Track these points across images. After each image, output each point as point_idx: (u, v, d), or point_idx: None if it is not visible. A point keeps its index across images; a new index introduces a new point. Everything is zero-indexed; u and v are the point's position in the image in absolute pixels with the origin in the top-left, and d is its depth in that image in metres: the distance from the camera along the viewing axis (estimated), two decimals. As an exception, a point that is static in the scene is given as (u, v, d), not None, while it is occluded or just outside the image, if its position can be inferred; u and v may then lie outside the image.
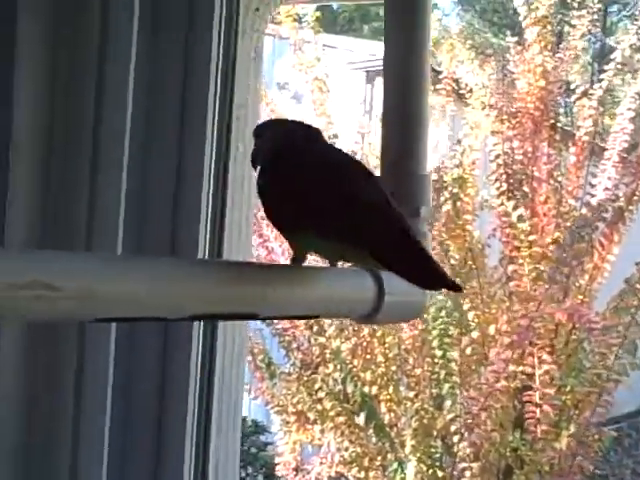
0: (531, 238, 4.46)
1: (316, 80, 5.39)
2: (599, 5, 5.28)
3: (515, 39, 5.41)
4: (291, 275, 0.71)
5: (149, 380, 1.08)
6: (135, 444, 1.10)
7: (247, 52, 1.16)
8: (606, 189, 4.86)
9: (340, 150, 0.79)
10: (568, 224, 4.71)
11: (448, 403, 4.48)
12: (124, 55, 1.06)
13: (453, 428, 4.37)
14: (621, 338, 4.08)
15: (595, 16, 5.23)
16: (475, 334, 4.77)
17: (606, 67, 5.27)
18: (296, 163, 0.74)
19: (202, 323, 1.06)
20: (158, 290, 0.59)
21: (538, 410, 3.98)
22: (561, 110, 6.71)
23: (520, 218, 4.51)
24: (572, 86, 5.40)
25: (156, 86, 1.09)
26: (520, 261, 4.48)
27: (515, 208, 4.50)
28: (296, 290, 0.69)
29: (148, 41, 1.07)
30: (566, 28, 5.38)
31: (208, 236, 1.06)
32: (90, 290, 0.53)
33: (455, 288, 0.68)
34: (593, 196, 4.78)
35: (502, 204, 4.56)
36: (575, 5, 5.31)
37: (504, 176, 4.69)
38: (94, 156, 1.06)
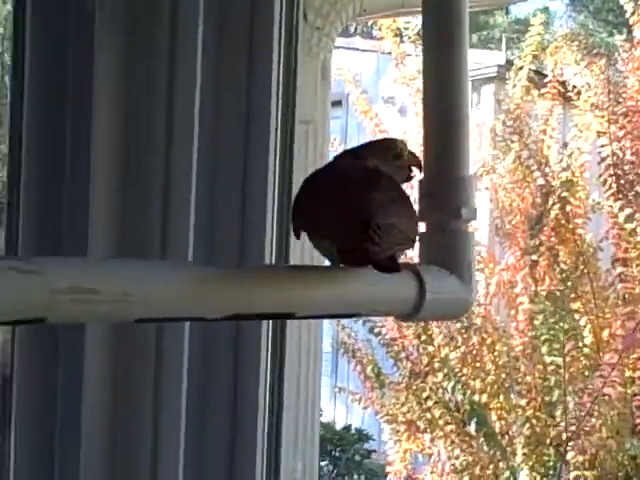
0: (638, 239, 4.31)
1: (419, 92, 5.41)
2: None
3: (623, 37, 5.27)
4: (330, 275, 0.76)
5: (222, 380, 1.15)
6: (210, 443, 1.16)
7: (313, 70, 1.22)
8: None
9: (354, 163, 0.83)
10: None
11: (559, 411, 4.38)
12: (190, 80, 1.13)
13: (565, 436, 4.26)
14: None
15: None
16: (589, 340, 4.65)
17: None
18: (308, 179, 0.82)
19: (270, 324, 1.12)
20: (193, 293, 0.64)
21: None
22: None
23: (628, 218, 4.36)
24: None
25: (221, 104, 1.16)
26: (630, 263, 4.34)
27: (622, 209, 4.36)
28: (335, 289, 0.74)
29: (212, 61, 1.14)
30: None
31: (275, 245, 1.11)
32: (125, 293, 0.59)
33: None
34: None
35: (610, 206, 4.43)
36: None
37: (613, 177, 4.56)
38: (166, 170, 1.14)
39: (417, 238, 0.80)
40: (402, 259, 0.79)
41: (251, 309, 0.69)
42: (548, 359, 4.48)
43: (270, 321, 1.11)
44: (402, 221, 0.77)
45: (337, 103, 8.63)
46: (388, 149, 0.85)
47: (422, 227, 0.86)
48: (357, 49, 8.39)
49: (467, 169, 0.84)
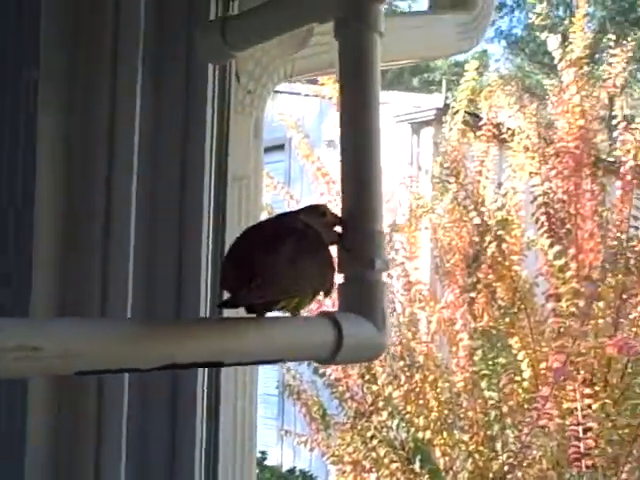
0: (568, 274, 4.48)
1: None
2: (633, 43, 5.32)
3: (553, 81, 5.50)
4: (256, 325, 0.83)
5: (161, 428, 1.20)
6: None
7: (246, 128, 1.30)
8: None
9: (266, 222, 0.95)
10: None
11: (500, 444, 4.47)
12: (129, 143, 1.21)
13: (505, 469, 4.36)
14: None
15: (630, 54, 5.27)
16: (527, 373, 4.77)
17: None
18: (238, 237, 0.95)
19: (206, 373, 1.18)
20: (128, 345, 0.71)
21: (582, 444, 3.95)
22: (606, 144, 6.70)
23: (557, 255, 4.54)
24: (614, 122, 5.39)
25: (157, 163, 1.23)
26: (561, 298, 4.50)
27: (552, 245, 4.54)
28: (260, 338, 0.81)
29: (149, 123, 1.22)
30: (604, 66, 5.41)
31: (209, 298, 1.18)
32: (67, 349, 0.66)
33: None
34: (637, 229, 4.78)
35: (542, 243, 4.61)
36: (611, 44, 5.37)
37: (544, 216, 4.73)
38: (105, 230, 1.20)
39: (333, 287, 0.90)
40: (323, 309, 0.87)
41: (182, 359, 0.75)
42: (487, 394, 4.58)
43: (205, 369, 1.17)
44: (295, 274, 0.86)
45: (280, 147, 8.73)
46: (316, 209, 0.96)
47: (340, 278, 0.94)
48: (299, 94, 8.53)
49: (380, 224, 0.93)
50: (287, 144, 8.05)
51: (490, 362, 4.56)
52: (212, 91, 1.22)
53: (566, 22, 5.62)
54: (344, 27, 0.96)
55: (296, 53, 1.30)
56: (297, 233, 0.89)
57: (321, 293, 0.90)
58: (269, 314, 0.86)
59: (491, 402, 4.58)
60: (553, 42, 5.08)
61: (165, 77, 1.25)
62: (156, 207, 1.24)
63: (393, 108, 8.35)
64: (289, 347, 0.85)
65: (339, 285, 0.94)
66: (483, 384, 4.57)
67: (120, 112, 1.22)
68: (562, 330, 4.30)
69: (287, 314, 0.87)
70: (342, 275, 0.93)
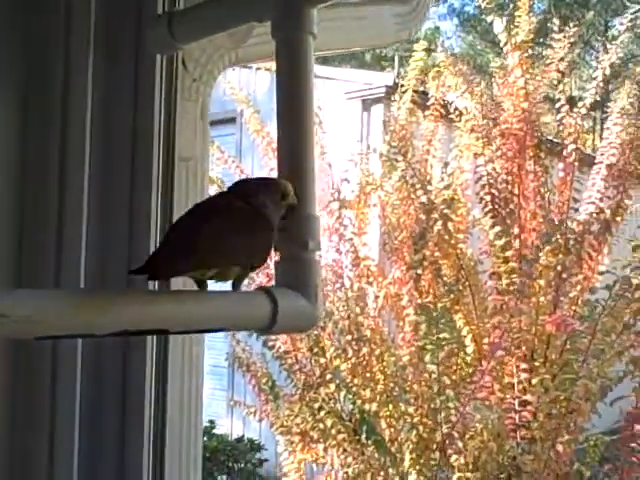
0: (508, 254, 4.63)
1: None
2: (576, 29, 5.45)
3: (498, 63, 5.62)
4: (200, 297, 0.93)
5: (111, 393, 1.29)
6: (101, 453, 1.31)
7: (192, 112, 1.38)
8: (592, 202, 5.00)
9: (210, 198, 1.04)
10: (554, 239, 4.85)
11: (442, 416, 4.62)
12: (82, 115, 1.28)
13: (445, 440, 4.51)
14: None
15: (572, 39, 5.41)
16: (470, 348, 4.92)
17: (592, 82, 5.42)
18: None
19: (154, 342, 1.27)
20: (84, 313, 0.79)
21: (517, 416, 4.12)
22: (553, 125, 6.86)
23: (497, 235, 4.68)
24: (557, 105, 5.52)
25: (109, 146, 1.31)
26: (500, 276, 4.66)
27: (492, 226, 4.68)
28: (203, 308, 0.90)
29: (101, 108, 1.29)
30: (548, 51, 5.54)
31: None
32: (28, 316, 0.74)
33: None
34: (577, 210, 4.95)
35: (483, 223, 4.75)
36: (555, 29, 5.49)
37: (488, 196, 4.86)
38: (60, 206, 1.28)
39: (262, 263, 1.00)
40: (261, 284, 0.96)
41: (132, 326, 0.84)
42: (430, 367, 4.71)
43: (154, 338, 1.26)
44: (215, 249, 0.95)
45: (231, 120, 8.73)
46: (277, 189, 1.03)
47: (277, 257, 1.04)
48: (250, 67, 8.53)
49: (313, 208, 1.02)
50: (238, 117, 8.04)
51: (434, 338, 4.69)
52: (160, 79, 1.30)
53: (515, 2, 5.72)
54: (279, 29, 1.05)
55: (239, 47, 1.38)
56: (225, 211, 0.97)
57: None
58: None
59: (434, 376, 4.71)
60: (498, 25, 5.18)
61: (115, 66, 1.33)
62: (108, 185, 1.32)
63: (344, 85, 8.43)
64: (229, 317, 0.94)
65: (276, 262, 1.04)
66: (427, 358, 4.70)
67: (73, 99, 1.29)
68: (502, 307, 4.45)
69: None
70: (279, 254, 1.02)
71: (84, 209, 1.29)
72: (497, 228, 4.63)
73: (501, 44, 5.41)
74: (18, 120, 1.31)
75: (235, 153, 8.49)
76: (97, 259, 1.30)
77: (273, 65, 1.08)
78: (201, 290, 0.94)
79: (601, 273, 4.75)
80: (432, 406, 4.82)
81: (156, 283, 1.17)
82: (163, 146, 1.30)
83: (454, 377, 4.82)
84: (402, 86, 5.86)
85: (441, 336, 4.71)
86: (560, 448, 4.45)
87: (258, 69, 8.39)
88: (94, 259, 1.29)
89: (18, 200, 1.31)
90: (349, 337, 5.16)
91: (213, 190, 5.56)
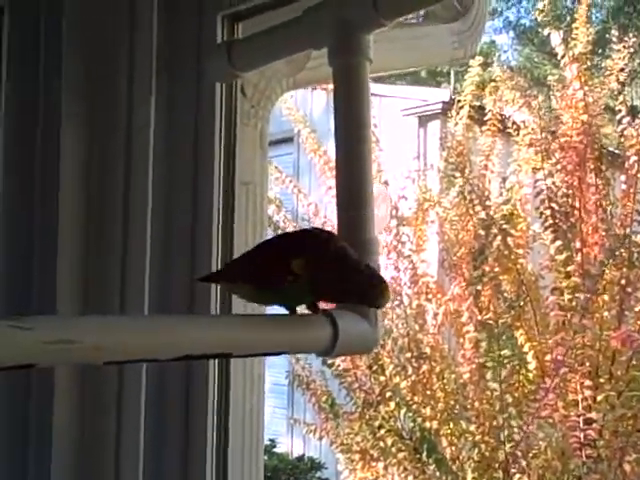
0: (569, 269, 4.55)
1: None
2: (634, 39, 5.36)
3: (556, 77, 5.55)
4: (261, 321, 0.95)
5: (175, 415, 1.32)
6: (164, 474, 1.34)
7: (251, 137, 1.41)
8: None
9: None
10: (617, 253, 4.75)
11: (505, 434, 4.56)
12: (145, 142, 1.32)
13: (510, 459, 4.44)
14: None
15: (632, 49, 5.32)
16: (532, 365, 4.84)
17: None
18: None
19: (217, 365, 1.29)
20: (148, 338, 0.82)
21: (582, 435, 4.04)
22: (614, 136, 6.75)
23: (558, 250, 4.61)
24: (618, 117, 5.42)
25: (171, 170, 1.35)
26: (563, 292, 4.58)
27: (553, 241, 4.61)
28: (265, 332, 0.92)
29: (163, 134, 1.33)
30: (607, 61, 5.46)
31: (219, 297, 1.30)
32: (97, 342, 0.77)
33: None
34: (641, 223, 4.85)
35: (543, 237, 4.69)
36: (614, 39, 5.41)
37: (548, 210, 4.80)
38: (124, 233, 1.32)
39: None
40: (321, 306, 0.98)
41: (195, 350, 0.86)
42: (493, 385, 4.65)
43: (216, 360, 1.28)
44: None
45: (289, 140, 8.80)
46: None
47: None
48: (307, 87, 8.58)
49: (372, 231, 1.03)
50: (295, 137, 8.09)
51: (495, 355, 4.63)
52: (220, 106, 1.33)
53: (573, 14, 5.64)
54: (336, 56, 1.07)
55: (297, 74, 1.41)
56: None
57: None
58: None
59: (496, 393, 4.65)
60: (556, 38, 5.12)
61: (177, 96, 1.36)
62: (171, 211, 1.36)
63: (400, 101, 8.42)
64: (290, 341, 0.95)
65: None
66: (488, 375, 4.64)
67: (136, 130, 1.34)
68: (564, 323, 4.37)
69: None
70: None
71: (147, 234, 1.33)
72: (558, 242, 4.56)
73: (559, 57, 5.33)
74: (84, 153, 1.35)
75: (293, 172, 8.53)
76: (160, 285, 1.33)
77: (330, 85, 1.10)
78: (262, 314, 0.96)
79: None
80: (494, 424, 4.76)
81: (218, 308, 1.20)
82: (224, 171, 1.33)
83: (516, 394, 4.75)
84: (459, 102, 5.83)
85: (502, 353, 4.65)
86: (627, 467, 4.34)
87: (314, 89, 8.43)
88: (157, 285, 1.33)
89: (84, 228, 1.35)
90: (409, 354, 5.13)
91: (271, 210, 5.61)
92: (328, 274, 0.94)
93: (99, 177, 1.37)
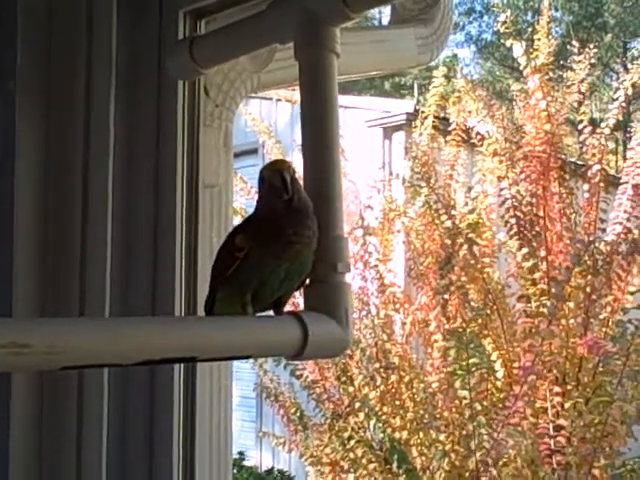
0: (535, 276, 4.57)
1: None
2: (595, 50, 5.43)
3: (519, 87, 5.60)
4: (227, 323, 0.90)
5: (139, 421, 1.27)
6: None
7: (215, 138, 1.37)
8: (619, 222, 4.94)
9: None
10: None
11: (475, 443, 4.54)
12: (104, 142, 1.27)
13: (479, 467, 4.43)
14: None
15: (593, 60, 5.38)
16: (500, 373, 4.84)
17: (614, 103, 5.38)
18: None
19: (182, 369, 1.25)
20: (109, 342, 0.77)
21: (552, 441, 4.04)
22: (575, 147, 6.84)
23: (525, 257, 4.63)
24: (579, 127, 5.47)
25: (132, 170, 1.30)
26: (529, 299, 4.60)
27: (520, 248, 4.63)
28: (231, 335, 0.88)
29: (123, 135, 1.29)
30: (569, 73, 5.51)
31: (183, 298, 1.25)
32: (53, 346, 0.72)
33: None
34: (604, 231, 4.88)
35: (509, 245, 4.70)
36: (574, 51, 5.47)
37: (513, 219, 4.82)
38: (82, 235, 1.27)
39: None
40: (289, 308, 0.94)
41: (158, 354, 0.82)
42: (461, 393, 4.64)
43: (181, 369, 1.24)
44: None
45: (253, 151, 8.78)
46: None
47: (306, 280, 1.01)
48: (271, 99, 8.58)
49: (341, 229, 1.00)
50: (260, 148, 8.09)
51: (463, 363, 4.63)
52: (182, 105, 1.29)
53: (534, 27, 5.71)
54: (302, 49, 1.04)
55: (261, 70, 1.38)
56: None
57: None
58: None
59: (465, 402, 4.65)
60: (518, 49, 5.16)
61: (138, 92, 1.32)
62: (132, 212, 1.31)
63: (365, 113, 8.46)
64: (258, 344, 0.92)
65: (305, 286, 1.01)
66: (457, 384, 4.64)
67: (95, 125, 1.29)
68: (532, 331, 4.38)
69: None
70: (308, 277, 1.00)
71: (108, 237, 1.28)
72: (524, 250, 4.58)
73: (521, 67, 5.38)
74: (40, 154, 1.30)
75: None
76: (122, 289, 1.29)
77: (294, 96, 1.07)
78: (228, 316, 0.92)
79: (632, 293, 4.66)
80: (464, 433, 4.75)
81: (182, 310, 1.16)
82: (187, 173, 1.29)
83: (485, 402, 4.74)
84: (423, 112, 5.87)
85: (471, 361, 4.65)
86: (597, 473, 4.35)
87: (279, 100, 8.44)
88: (119, 289, 1.28)
89: (42, 230, 1.30)
90: (377, 365, 5.11)
91: (237, 220, 5.56)
92: (264, 238, 0.97)
93: (57, 179, 1.32)
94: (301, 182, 0.99)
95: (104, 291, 1.27)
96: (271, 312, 1.00)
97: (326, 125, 0.99)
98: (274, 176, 0.99)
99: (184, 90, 1.30)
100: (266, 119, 6.82)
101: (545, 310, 4.39)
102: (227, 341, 0.88)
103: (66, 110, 1.32)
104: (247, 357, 0.92)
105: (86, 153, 1.30)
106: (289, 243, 0.96)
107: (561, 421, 4.25)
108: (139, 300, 1.28)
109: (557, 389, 4.22)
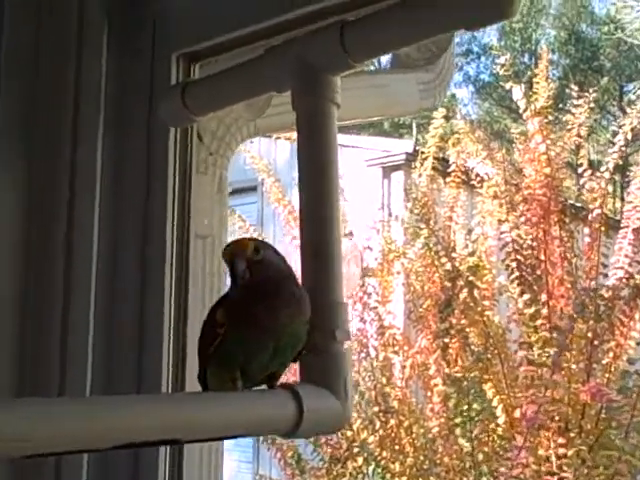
0: (537, 322, 4.49)
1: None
2: (594, 94, 5.40)
3: (518, 130, 5.58)
4: (213, 400, 0.82)
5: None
6: None
7: (209, 186, 1.29)
8: (620, 267, 4.88)
9: None
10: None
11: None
12: (90, 187, 1.20)
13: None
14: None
15: (592, 104, 5.37)
16: (502, 419, 4.74)
17: (613, 146, 5.35)
18: None
19: (167, 452, 1.16)
20: (84, 426, 0.69)
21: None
22: (573, 190, 6.82)
23: (527, 304, 4.55)
24: (579, 170, 5.42)
25: (120, 216, 1.22)
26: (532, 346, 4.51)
27: (521, 294, 4.55)
28: (218, 413, 0.80)
29: (110, 180, 1.21)
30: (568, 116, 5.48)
31: (171, 368, 1.17)
32: (20, 432, 0.64)
33: None
34: (605, 276, 4.82)
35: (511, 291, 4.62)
36: (574, 94, 5.45)
37: (514, 263, 4.75)
38: (65, 294, 1.19)
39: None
40: (283, 380, 0.86)
41: (139, 437, 0.74)
42: (462, 440, 4.55)
43: (167, 450, 1.14)
44: None
45: (252, 189, 8.74)
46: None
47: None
48: (270, 137, 8.58)
49: (340, 295, 0.92)
50: (259, 186, 8.06)
51: (464, 410, 4.54)
52: (173, 153, 1.21)
53: (532, 69, 5.71)
54: (300, 98, 0.96)
55: (257, 118, 1.31)
56: None
57: None
58: None
59: (466, 450, 4.55)
60: (517, 92, 5.15)
61: (126, 139, 1.25)
62: (118, 265, 1.23)
63: (364, 152, 8.43)
64: (248, 422, 0.83)
65: (300, 356, 0.93)
66: (458, 431, 4.54)
67: (81, 171, 1.22)
68: (534, 379, 4.29)
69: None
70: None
71: (91, 300, 1.20)
72: (526, 296, 4.49)
73: (520, 110, 5.36)
74: (21, 201, 1.23)
75: (256, 222, 8.48)
76: (105, 360, 1.19)
77: (293, 135, 1.00)
78: (217, 392, 0.84)
79: (638, 343, 4.59)
80: (464, 480, 4.64)
81: (169, 388, 1.07)
82: (178, 223, 1.21)
83: (486, 449, 4.64)
84: (422, 153, 5.84)
85: (473, 407, 4.55)
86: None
87: (278, 138, 8.43)
88: (102, 360, 1.19)
89: (19, 307, 1.22)
90: (376, 408, 5.02)
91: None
92: (238, 318, 0.91)
93: (39, 237, 1.24)
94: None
95: (86, 365, 1.17)
96: (265, 386, 0.92)
97: (324, 180, 0.92)
98: (227, 263, 0.95)
99: (176, 136, 1.23)
100: (265, 157, 6.80)
101: (546, 359, 4.29)
102: (213, 420, 0.80)
103: (49, 158, 1.25)
104: (236, 437, 0.83)
105: (70, 202, 1.22)
106: (262, 326, 0.90)
107: (566, 474, 4.14)
108: (124, 367, 1.19)
109: (561, 440, 4.11)
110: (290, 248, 5.42)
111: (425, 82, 1.71)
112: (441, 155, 6.07)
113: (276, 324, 0.89)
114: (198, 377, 0.96)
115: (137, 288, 1.21)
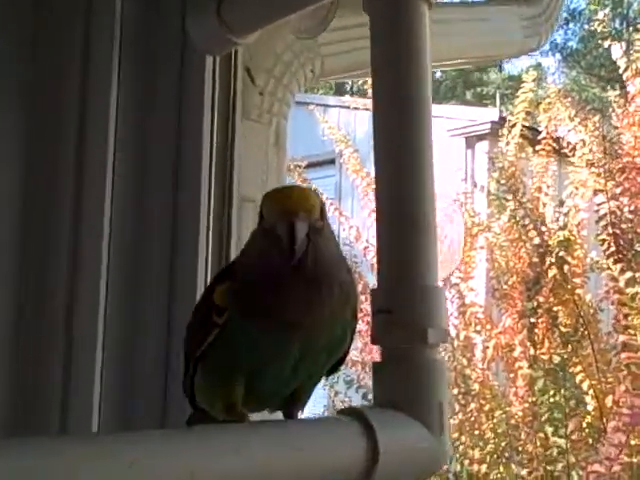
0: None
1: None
2: None
3: (617, 92, 5.20)
4: (242, 439, 0.54)
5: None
6: None
7: (262, 139, 1.02)
8: None
9: None
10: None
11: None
12: (100, 160, 0.93)
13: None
14: None
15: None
16: (591, 406, 4.45)
17: None
18: None
19: None
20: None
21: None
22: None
23: (629, 282, 4.18)
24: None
25: (146, 175, 0.96)
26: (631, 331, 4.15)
27: (623, 271, 4.19)
28: (247, 459, 0.52)
29: (136, 125, 0.95)
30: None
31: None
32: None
33: None
34: None
35: (609, 267, 4.26)
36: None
37: (612, 236, 4.40)
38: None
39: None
40: (346, 404, 0.59)
41: None
42: (549, 429, 4.27)
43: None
44: None
45: (330, 162, 8.58)
46: None
47: (376, 354, 0.66)
48: (348, 107, 8.40)
49: (434, 278, 0.62)
50: (337, 158, 7.93)
51: (550, 394, 4.26)
52: (211, 89, 0.92)
53: (625, 33, 5.36)
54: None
55: (320, 33, 1.00)
56: None
57: None
58: None
59: (553, 439, 4.27)
60: (617, 50, 4.79)
61: (150, 70, 0.96)
62: (142, 241, 0.97)
63: (446, 122, 8.15)
64: (294, 472, 0.54)
65: (374, 366, 0.63)
66: (544, 418, 4.27)
67: (91, 121, 0.95)
68: (635, 368, 3.94)
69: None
70: (379, 349, 0.62)
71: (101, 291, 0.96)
72: (628, 274, 4.12)
73: (620, 71, 5.02)
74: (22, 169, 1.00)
75: (334, 195, 8.40)
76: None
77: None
78: (247, 425, 0.55)
79: None
80: (549, 469, 4.37)
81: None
82: (217, 183, 0.92)
83: (573, 437, 4.35)
84: (509, 121, 5.58)
85: (562, 393, 4.27)
86: None
87: (356, 109, 8.28)
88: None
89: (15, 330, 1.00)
90: (455, 391, 4.79)
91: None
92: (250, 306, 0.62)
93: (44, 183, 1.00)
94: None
95: (92, 400, 0.94)
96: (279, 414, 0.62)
97: (412, 119, 0.62)
98: (280, 224, 0.65)
99: (214, 67, 0.93)
100: (344, 128, 6.65)
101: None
102: (238, 468, 0.53)
103: (59, 100, 0.99)
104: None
105: (78, 163, 0.95)
106: (284, 319, 0.61)
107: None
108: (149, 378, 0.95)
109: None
110: (369, 221, 5.24)
111: (529, 17, 1.41)
112: (529, 123, 5.78)
113: (308, 318, 0.61)
114: (184, 388, 0.68)
115: (165, 266, 0.94)
